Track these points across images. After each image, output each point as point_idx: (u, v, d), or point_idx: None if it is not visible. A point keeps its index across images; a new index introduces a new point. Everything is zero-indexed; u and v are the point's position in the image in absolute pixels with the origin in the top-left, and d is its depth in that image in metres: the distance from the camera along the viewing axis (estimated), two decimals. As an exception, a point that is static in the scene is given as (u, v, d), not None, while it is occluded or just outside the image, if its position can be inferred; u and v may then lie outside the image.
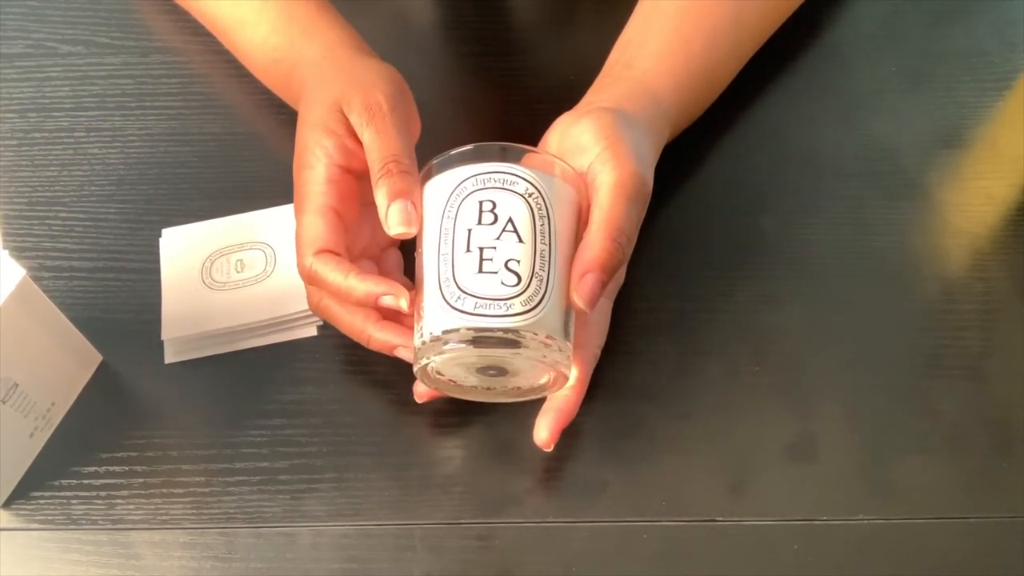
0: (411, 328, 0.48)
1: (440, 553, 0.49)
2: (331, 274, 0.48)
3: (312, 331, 0.56)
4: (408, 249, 0.53)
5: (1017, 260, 0.58)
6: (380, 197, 0.48)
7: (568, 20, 0.70)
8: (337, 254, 0.49)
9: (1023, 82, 0.65)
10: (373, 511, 0.50)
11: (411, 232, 0.48)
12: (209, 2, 0.63)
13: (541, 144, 0.54)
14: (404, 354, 0.49)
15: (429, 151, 0.50)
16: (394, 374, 0.53)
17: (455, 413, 0.53)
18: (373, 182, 0.48)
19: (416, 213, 0.47)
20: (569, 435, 0.50)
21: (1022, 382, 0.54)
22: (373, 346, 0.50)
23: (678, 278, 0.57)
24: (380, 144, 0.49)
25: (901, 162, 0.62)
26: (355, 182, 0.51)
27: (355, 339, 0.51)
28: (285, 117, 0.59)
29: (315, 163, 0.50)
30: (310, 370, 0.54)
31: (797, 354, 0.55)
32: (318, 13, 0.58)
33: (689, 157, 0.59)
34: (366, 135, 0.50)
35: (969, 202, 0.61)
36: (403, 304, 0.47)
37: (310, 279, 0.49)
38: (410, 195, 0.48)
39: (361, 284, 0.47)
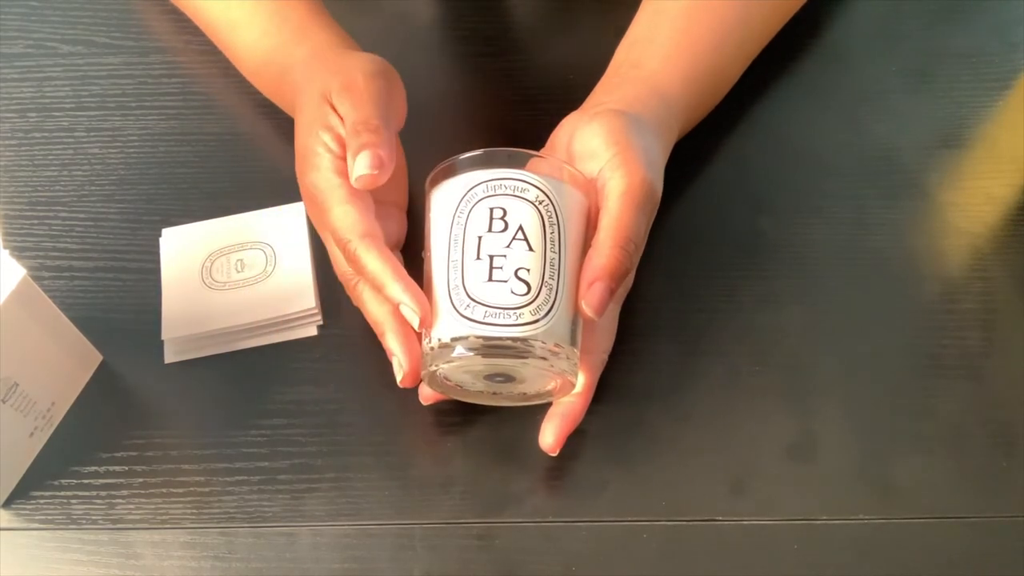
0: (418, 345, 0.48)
1: (440, 553, 0.49)
2: (372, 261, 0.46)
3: (312, 331, 0.56)
4: (414, 254, 0.53)
5: (1017, 260, 0.58)
6: (349, 155, 0.47)
7: (568, 20, 0.70)
8: (378, 238, 0.48)
9: (1023, 82, 0.65)
10: (373, 511, 0.50)
11: (376, 176, 0.47)
12: (202, 3, 0.63)
13: (548, 144, 0.53)
14: (396, 366, 0.49)
15: (429, 150, 0.50)
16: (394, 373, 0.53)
17: (456, 413, 0.53)
18: (347, 146, 0.48)
19: (385, 162, 0.47)
20: (570, 435, 0.50)
21: (1022, 382, 0.54)
22: (381, 338, 0.50)
23: (678, 278, 0.57)
24: (354, 112, 0.49)
25: (901, 162, 0.62)
26: None
27: (371, 324, 0.50)
28: (285, 117, 0.59)
29: (319, 163, 0.49)
30: (310, 370, 0.54)
31: (797, 354, 0.55)
32: (309, 15, 0.58)
33: (690, 157, 0.59)
34: (342, 109, 0.49)
35: (969, 202, 0.61)
36: (415, 321, 0.46)
37: (351, 260, 0.48)
38: (376, 147, 0.47)
39: (394, 284, 0.46)
